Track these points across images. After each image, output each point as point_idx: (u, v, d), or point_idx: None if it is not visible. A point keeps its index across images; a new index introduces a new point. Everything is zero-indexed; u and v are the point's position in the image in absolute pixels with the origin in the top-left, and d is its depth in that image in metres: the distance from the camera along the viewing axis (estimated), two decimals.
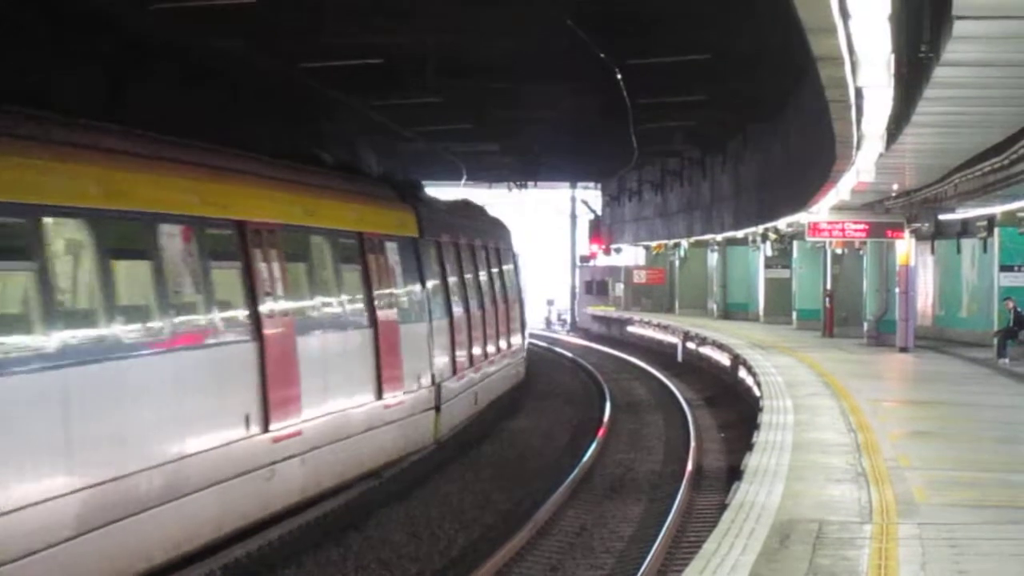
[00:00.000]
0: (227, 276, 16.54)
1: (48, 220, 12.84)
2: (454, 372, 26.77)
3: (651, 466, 26.79)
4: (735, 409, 34.22)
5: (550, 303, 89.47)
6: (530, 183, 70.73)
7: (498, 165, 63.33)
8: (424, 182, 34.59)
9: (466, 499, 22.59)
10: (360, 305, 21.25)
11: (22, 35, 23.17)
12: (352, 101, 38.83)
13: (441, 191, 39.67)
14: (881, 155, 23.63)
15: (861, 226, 40.48)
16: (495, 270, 33.70)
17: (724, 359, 41.85)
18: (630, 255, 79.40)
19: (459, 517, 21.07)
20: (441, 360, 25.68)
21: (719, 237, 59.27)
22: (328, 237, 20.20)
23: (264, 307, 17.18)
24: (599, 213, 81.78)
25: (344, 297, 20.70)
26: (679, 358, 51.94)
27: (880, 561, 11.91)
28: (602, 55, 31.84)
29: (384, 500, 21.72)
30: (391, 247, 23.28)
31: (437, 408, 24.86)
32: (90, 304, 13.46)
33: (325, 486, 19.16)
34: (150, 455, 14.07)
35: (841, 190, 31.56)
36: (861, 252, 44.85)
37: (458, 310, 27.96)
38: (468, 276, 29.64)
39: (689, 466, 25.17)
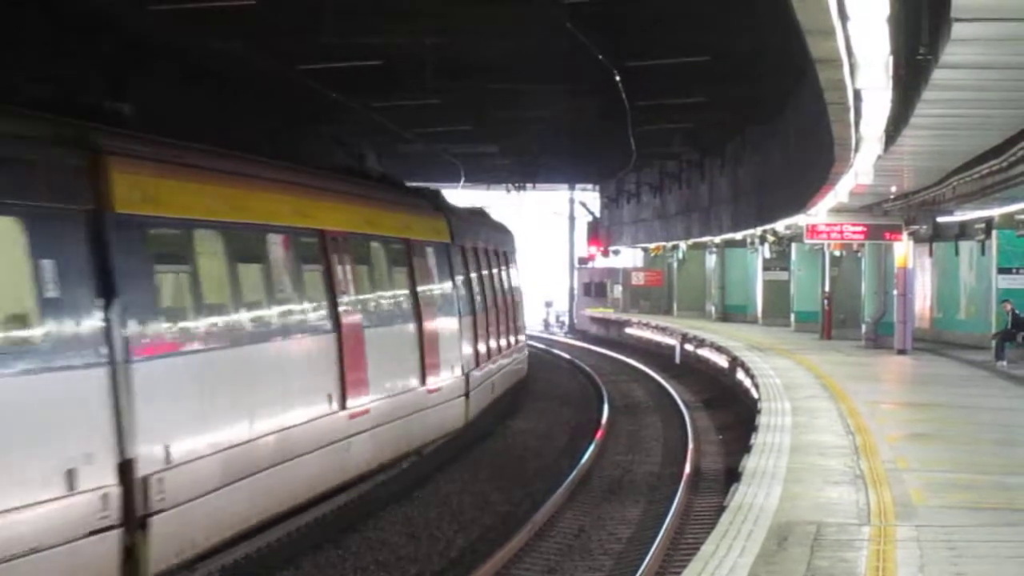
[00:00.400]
0: (314, 276, 19.24)
1: (197, 231, 15.42)
2: (477, 364, 29.22)
3: (649, 468, 26.80)
4: (733, 411, 34.22)
5: (548, 305, 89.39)
6: (528, 185, 70.69)
7: (497, 167, 63.32)
8: (423, 184, 35.11)
9: (465, 500, 22.61)
10: (408, 302, 23.98)
11: (22, 35, 23.20)
12: (352, 102, 38.82)
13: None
14: (879, 157, 23.63)
15: (859, 228, 40.46)
16: (504, 272, 35.55)
17: (722, 361, 41.85)
18: (628, 257, 79.39)
19: (458, 518, 21.09)
20: (468, 352, 28.34)
21: (717, 239, 59.27)
22: (383, 243, 23.01)
23: (341, 302, 19.86)
24: (597, 215, 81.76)
25: (396, 294, 23.47)
26: (677, 360, 51.92)
27: (878, 563, 11.92)
28: (601, 56, 31.83)
29: (383, 501, 21.76)
30: (430, 251, 26.00)
31: (466, 395, 27.47)
32: (227, 300, 16.03)
33: (385, 459, 21.70)
34: (268, 424, 16.68)
35: (839, 192, 31.57)
36: (859, 254, 44.83)
37: (479, 308, 30.20)
38: (485, 277, 31.85)
39: (687, 468, 25.18)
